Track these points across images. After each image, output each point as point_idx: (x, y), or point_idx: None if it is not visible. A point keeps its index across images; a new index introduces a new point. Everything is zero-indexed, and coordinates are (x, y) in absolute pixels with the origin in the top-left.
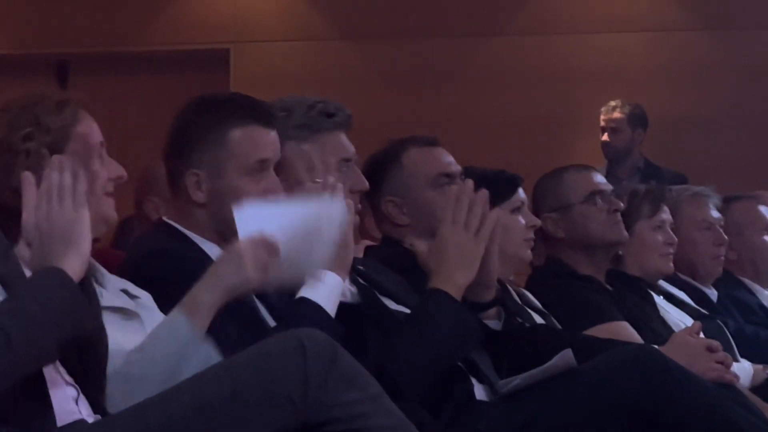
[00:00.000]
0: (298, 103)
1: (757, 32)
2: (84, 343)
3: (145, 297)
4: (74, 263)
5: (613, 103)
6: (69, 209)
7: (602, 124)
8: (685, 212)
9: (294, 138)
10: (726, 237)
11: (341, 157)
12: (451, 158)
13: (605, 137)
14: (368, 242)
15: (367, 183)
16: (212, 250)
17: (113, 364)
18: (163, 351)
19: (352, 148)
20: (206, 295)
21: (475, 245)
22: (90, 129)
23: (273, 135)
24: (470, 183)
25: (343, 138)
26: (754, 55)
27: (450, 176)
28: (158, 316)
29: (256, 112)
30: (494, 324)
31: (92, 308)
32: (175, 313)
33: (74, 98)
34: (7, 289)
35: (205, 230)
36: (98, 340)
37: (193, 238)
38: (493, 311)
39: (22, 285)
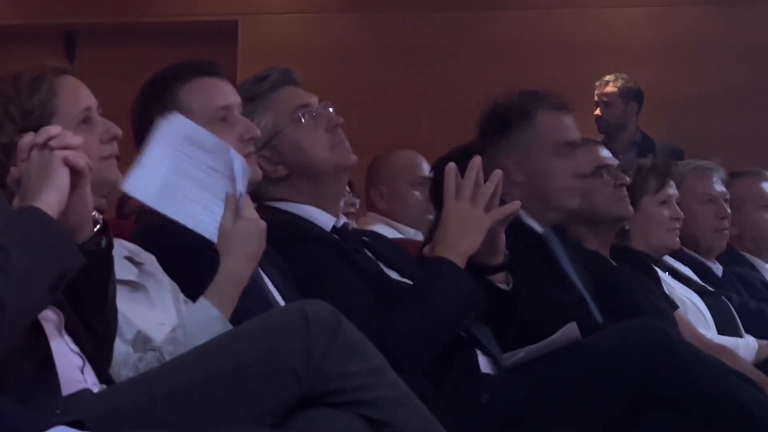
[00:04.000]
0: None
1: (763, 9)
2: (75, 279)
3: (150, 261)
4: (50, 198)
5: (607, 78)
6: (46, 153)
7: (596, 98)
8: (687, 185)
9: (250, 114)
10: (729, 210)
11: (295, 105)
12: (575, 127)
13: (598, 111)
14: (375, 214)
15: (341, 118)
16: None
17: (121, 333)
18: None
19: (305, 96)
20: (241, 277)
21: (480, 219)
22: (73, 96)
23: (224, 82)
24: (478, 159)
25: (291, 90)
26: (759, 33)
27: (574, 145)
28: (164, 279)
29: (198, 66)
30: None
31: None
32: (210, 307)
33: (49, 69)
34: None
35: None
36: (106, 309)
37: None
38: (501, 276)
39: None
